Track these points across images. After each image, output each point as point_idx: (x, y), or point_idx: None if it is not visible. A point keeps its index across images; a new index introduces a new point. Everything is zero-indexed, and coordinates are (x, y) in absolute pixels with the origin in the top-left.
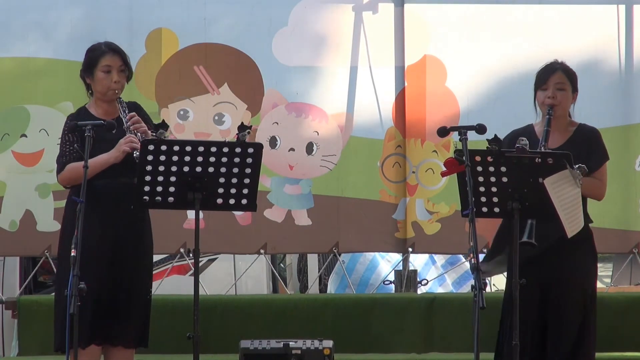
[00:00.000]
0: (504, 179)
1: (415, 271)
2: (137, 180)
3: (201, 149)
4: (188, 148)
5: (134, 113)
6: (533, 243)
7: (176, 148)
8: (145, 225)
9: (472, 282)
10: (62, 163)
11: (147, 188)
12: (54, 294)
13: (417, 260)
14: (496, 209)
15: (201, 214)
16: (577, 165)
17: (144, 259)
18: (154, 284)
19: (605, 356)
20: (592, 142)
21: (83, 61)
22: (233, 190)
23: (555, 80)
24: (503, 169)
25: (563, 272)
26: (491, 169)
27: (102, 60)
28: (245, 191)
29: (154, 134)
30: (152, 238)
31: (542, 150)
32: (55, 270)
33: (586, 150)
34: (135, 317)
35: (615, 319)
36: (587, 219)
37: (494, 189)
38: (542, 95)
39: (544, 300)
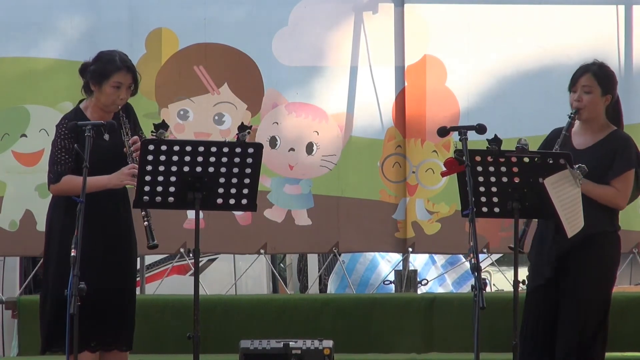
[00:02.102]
0: (504, 179)
1: (415, 271)
2: (137, 180)
3: (201, 149)
4: (188, 148)
5: (136, 137)
6: (520, 250)
7: (176, 148)
8: (131, 227)
9: (472, 282)
10: (57, 173)
11: (147, 188)
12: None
13: (417, 260)
14: (496, 209)
15: (201, 214)
16: (577, 165)
17: (132, 261)
18: (154, 284)
19: (606, 356)
20: (619, 149)
21: (93, 65)
22: (233, 190)
23: (582, 82)
24: (503, 169)
25: (581, 274)
26: (491, 169)
27: (115, 76)
28: (245, 191)
29: (154, 134)
30: (136, 240)
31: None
32: None
33: (612, 156)
34: (128, 318)
35: (615, 319)
36: (611, 224)
37: (494, 189)
38: (571, 97)
39: (558, 299)
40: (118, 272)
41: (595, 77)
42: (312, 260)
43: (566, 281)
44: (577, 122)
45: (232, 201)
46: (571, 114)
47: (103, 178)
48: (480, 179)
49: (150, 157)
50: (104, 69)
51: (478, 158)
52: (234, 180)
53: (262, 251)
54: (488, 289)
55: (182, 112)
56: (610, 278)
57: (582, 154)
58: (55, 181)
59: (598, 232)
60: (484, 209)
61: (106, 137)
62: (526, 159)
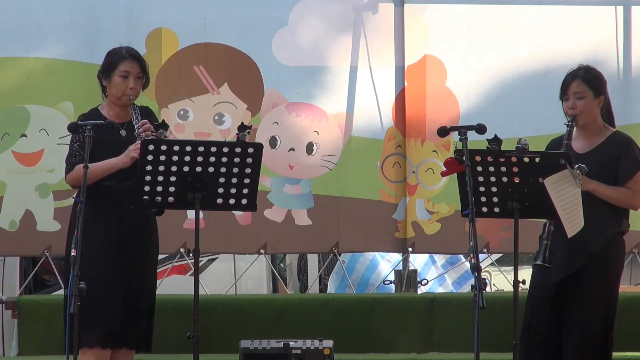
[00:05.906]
0: (504, 179)
1: (415, 271)
2: (137, 180)
3: (201, 149)
4: (188, 148)
5: (146, 120)
6: (547, 266)
7: (176, 148)
8: (151, 225)
9: (472, 282)
10: (71, 163)
11: (147, 188)
12: (58, 292)
13: (417, 260)
14: (496, 209)
15: (201, 214)
16: (577, 165)
17: (150, 259)
18: None
19: None
20: (623, 151)
21: (102, 63)
22: (233, 190)
23: (573, 89)
24: (503, 169)
25: (590, 276)
26: (491, 169)
27: (121, 65)
28: (245, 191)
29: (154, 134)
30: (158, 238)
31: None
32: (56, 271)
33: (616, 158)
34: (142, 317)
35: (615, 318)
36: (620, 226)
37: (494, 189)
38: (565, 106)
39: (561, 300)
40: (135, 271)
41: (585, 82)
42: (312, 260)
43: (574, 283)
44: (574, 128)
45: (232, 201)
46: (568, 122)
47: (112, 160)
48: (480, 179)
49: (150, 157)
50: (111, 61)
51: (478, 158)
52: (234, 180)
53: (262, 251)
54: (488, 289)
55: (182, 112)
56: (617, 279)
57: (585, 157)
58: (69, 171)
59: (613, 234)
60: (484, 209)
61: (123, 133)
62: (526, 159)
